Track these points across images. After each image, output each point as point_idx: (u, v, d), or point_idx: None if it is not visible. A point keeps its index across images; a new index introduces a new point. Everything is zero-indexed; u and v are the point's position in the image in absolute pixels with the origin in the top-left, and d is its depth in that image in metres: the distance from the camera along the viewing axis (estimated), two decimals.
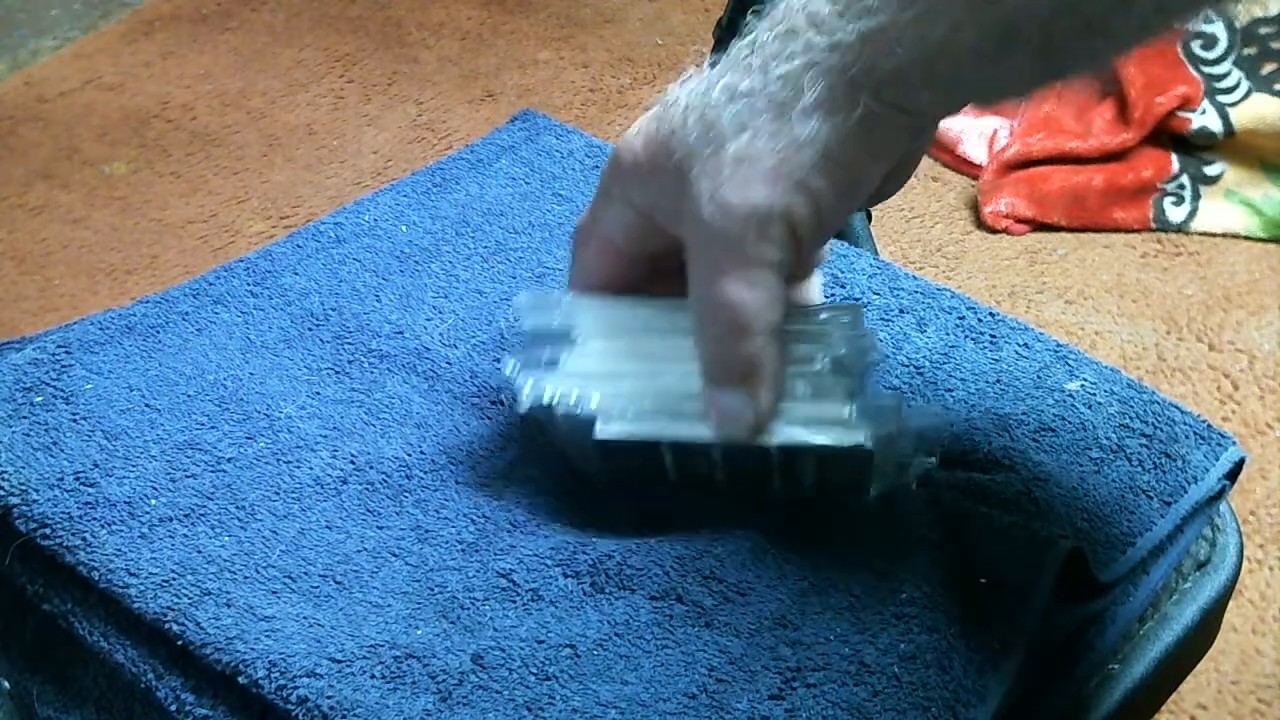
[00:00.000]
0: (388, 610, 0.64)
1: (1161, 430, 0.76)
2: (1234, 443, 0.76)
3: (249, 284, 0.86)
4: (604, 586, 0.65)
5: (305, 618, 0.63)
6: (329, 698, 0.60)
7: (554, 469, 0.73)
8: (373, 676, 0.61)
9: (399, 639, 0.62)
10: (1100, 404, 0.77)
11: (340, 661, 0.61)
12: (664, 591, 0.64)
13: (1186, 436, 0.76)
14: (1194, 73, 1.77)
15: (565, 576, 0.65)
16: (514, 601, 0.64)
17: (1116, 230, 1.76)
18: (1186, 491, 0.73)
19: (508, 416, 0.76)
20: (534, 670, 0.61)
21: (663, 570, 0.65)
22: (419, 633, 0.63)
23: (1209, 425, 0.77)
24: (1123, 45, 0.54)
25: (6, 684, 0.73)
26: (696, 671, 0.61)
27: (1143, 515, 0.71)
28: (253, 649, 0.62)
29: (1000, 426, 0.75)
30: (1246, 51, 1.77)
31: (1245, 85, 1.76)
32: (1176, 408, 0.78)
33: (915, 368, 0.80)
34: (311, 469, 0.72)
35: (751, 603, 0.64)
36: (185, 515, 0.69)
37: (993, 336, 0.82)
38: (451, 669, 0.61)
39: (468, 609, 0.64)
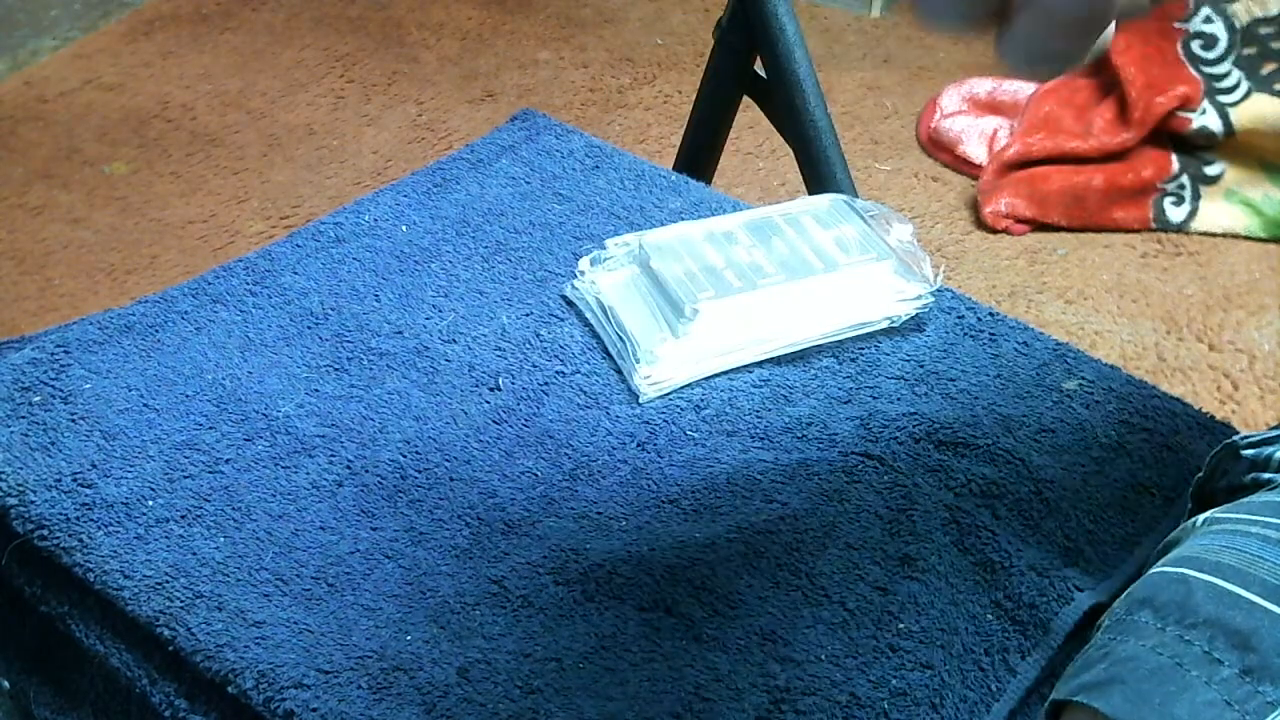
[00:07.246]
0: (378, 614, 0.64)
1: (1162, 424, 0.76)
2: (1236, 432, 0.76)
3: (248, 283, 0.85)
4: (594, 595, 0.64)
5: (295, 623, 0.63)
6: (315, 710, 0.59)
7: (550, 456, 0.73)
8: (360, 688, 0.60)
9: (388, 647, 0.62)
10: (1099, 402, 0.77)
11: (328, 673, 0.61)
12: (653, 602, 0.64)
13: (1189, 428, 0.76)
14: (1194, 73, 1.77)
15: (556, 584, 0.65)
16: (504, 608, 0.64)
17: (1116, 230, 1.75)
18: (1189, 483, 0.73)
19: (505, 403, 0.76)
20: (519, 684, 0.60)
21: (653, 580, 0.65)
22: (408, 639, 0.63)
23: (1211, 417, 0.77)
24: None
25: (5, 684, 0.72)
26: (683, 689, 0.60)
27: (1146, 514, 0.71)
28: (242, 657, 0.61)
29: (1004, 426, 0.75)
30: (1246, 51, 1.77)
31: (1245, 85, 1.76)
32: (1178, 401, 0.78)
33: (916, 362, 0.80)
34: (308, 472, 0.72)
35: (741, 615, 0.64)
36: (181, 517, 0.69)
37: (992, 334, 0.82)
38: (437, 681, 0.61)
39: (458, 614, 0.64)
